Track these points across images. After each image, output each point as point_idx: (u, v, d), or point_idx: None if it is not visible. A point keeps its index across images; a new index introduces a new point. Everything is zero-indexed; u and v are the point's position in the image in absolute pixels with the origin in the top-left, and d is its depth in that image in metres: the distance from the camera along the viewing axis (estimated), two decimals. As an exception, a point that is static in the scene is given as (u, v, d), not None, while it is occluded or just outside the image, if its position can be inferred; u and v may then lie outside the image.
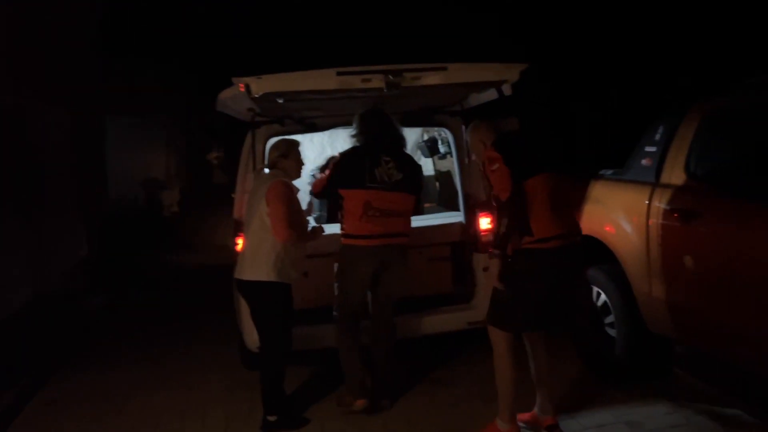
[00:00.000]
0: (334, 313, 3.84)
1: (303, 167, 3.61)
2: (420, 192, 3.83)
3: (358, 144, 3.69)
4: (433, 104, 4.27)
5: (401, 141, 3.82)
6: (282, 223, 3.28)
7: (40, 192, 6.43)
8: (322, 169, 4.81)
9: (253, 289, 3.46)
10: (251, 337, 3.95)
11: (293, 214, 3.35)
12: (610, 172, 4.06)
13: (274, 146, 3.57)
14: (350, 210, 3.53)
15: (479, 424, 3.38)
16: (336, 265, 3.77)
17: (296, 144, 3.58)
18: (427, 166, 5.46)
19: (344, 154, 3.70)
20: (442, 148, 4.96)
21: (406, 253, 3.70)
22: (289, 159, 3.52)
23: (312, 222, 4.80)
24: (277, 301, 3.46)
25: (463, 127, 4.28)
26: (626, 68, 8.67)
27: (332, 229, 3.84)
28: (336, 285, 3.79)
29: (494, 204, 3.14)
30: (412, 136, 5.52)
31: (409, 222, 3.70)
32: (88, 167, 7.94)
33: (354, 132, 3.71)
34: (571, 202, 3.40)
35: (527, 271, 3.06)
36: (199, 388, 4.22)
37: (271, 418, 3.52)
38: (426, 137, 5.36)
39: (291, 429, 3.54)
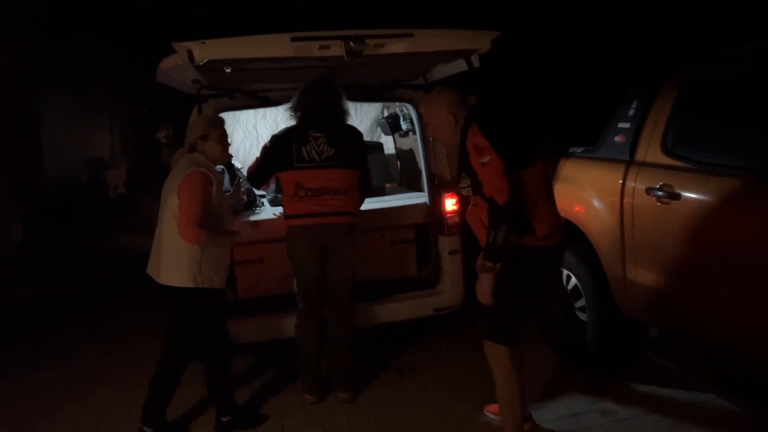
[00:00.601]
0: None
1: (227, 148, 3.12)
2: (361, 166, 3.48)
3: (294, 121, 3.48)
4: (395, 77, 3.99)
5: (336, 113, 3.47)
6: (188, 221, 2.82)
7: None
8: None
9: (170, 294, 2.99)
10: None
11: (204, 210, 2.86)
12: (580, 149, 3.89)
13: (192, 126, 3.07)
14: (285, 191, 3.42)
15: (447, 415, 3.22)
16: None
17: (218, 122, 3.07)
18: (388, 144, 5.19)
19: (273, 137, 3.52)
20: (404, 125, 4.70)
21: (351, 233, 3.43)
22: (210, 140, 3.01)
23: (266, 204, 4.49)
24: (202, 308, 3.03)
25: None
26: (594, 36, 8.32)
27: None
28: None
29: (478, 201, 2.66)
30: (372, 112, 5.25)
31: (352, 200, 3.43)
32: (20, 144, 7.34)
33: (289, 108, 3.48)
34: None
35: (525, 275, 2.72)
36: (146, 386, 3.89)
37: (225, 419, 3.25)
38: (386, 113, 5.09)
39: (247, 428, 3.27)
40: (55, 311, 5.73)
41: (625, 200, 3.28)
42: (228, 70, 2.87)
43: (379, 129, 5.14)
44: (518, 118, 2.95)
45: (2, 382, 4.06)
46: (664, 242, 3.02)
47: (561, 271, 3.83)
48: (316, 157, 3.34)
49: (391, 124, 4.75)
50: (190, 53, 2.63)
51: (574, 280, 3.76)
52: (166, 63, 3.21)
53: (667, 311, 3.16)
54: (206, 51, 2.62)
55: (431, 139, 4.06)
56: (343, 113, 3.51)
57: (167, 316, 3.20)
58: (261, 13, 11.82)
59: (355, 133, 3.56)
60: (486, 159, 2.53)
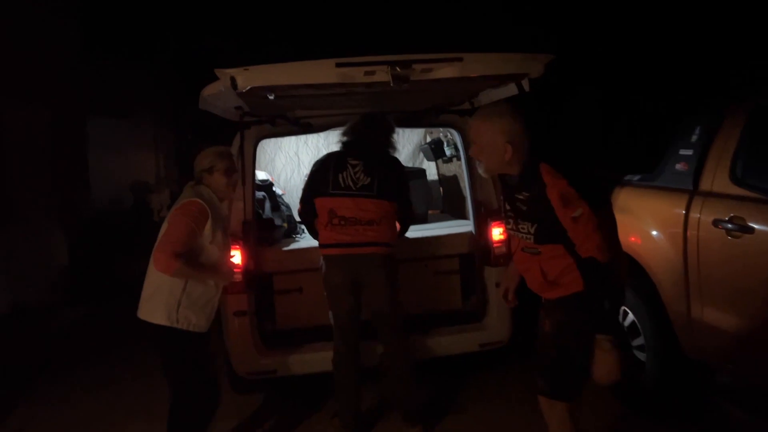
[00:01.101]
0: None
1: (233, 182, 2.92)
2: (398, 197, 3.35)
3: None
4: (440, 102, 3.87)
5: (378, 142, 3.41)
6: (164, 246, 2.61)
7: (16, 199, 6.02)
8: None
9: (150, 332, 2.75)
10: (239, 359, 3.58)
11: (186, 240, 2.64)
12: (636, 177, 3.67)
13: (200, 158, 2.90)
14: (319, 219, 3.35)
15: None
16: None
17: (225, 155, 2.91)
18: (431, 170, 5.06)
19: (315, 162, 3.49)
20: (448, 151, 4.56)
21: (385, 264, 3.29)
22: (215, 173, 2.84)
23: (306, 232, 4.40)
24: (182, 351, 2.78)
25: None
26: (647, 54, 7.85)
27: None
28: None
29: (545, 250, 2.35)
30: (415, 137, 5.14)
31: (387, 230, 3.30)
32: (68, 170, 7.51)
33: (339, 136, 3.49)
34: None
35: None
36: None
37: None
38: (429, 139, 4.98)
39: None
40: (99, 334, 5.75)
41: (689, 232, 3.06)
42: (271, 97, 2.79)
43: (421, 155, 5.03)
44: (577, 151, 2.62)
45: (45, 408, 4.05)
46: (736, 279, 2.79)
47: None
48: (351, 185, 3.27)
49: (435, 150, 4.63)
50: (233, 80, 2.56)
51: (631, 316, 3.53)
52: (209, 90, 3.16)
53: (738, 354, 2.90)
54: (249, 78, 2.55)
55: (477, 164, 3.91)
56: (386, 143, 3.44)
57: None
58: (301, 38, 11.97)
59: (395, 164, 3.46)
60: (578, 213, 2.21)
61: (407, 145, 5.05)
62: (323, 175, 3.33)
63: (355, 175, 3.28)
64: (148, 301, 2.77)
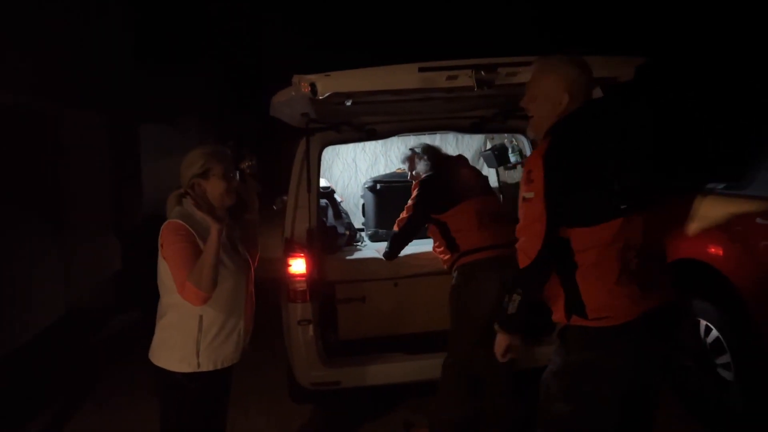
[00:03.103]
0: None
1: (233, 188, 2.42)
2: None
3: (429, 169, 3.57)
4: (508, 107, 3.74)
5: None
6: (182, 280, 2.21)
7: (73, 202, 6.11)
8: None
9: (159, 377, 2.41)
10: (303, 369, 3.51)
11: (192, 263, 2.22)
12: (721, 186, 3.48)
13: (188, 162, 2.39)
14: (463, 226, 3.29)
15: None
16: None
17: (221, 155, 2.41)
18: (491, 177, 4.93)
19: (424, 181, 3.53)
20: (512, 157, 4.42)
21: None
22: (212, 177, 2.36)
23: (367, 240, 4.34)
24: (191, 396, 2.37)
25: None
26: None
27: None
28: (453, 322, 3.33)
29: None
30: (475, 143, 5.02)
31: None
32: (122, 176, 7.62)
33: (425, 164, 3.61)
34: None
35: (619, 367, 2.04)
36: (239, 425, 3.74)
37: None
38: (490, 145, 4.84)
39: None
40: (150, 340, 5.76)
41: (787, 245, 2.87)
42: (349, 104, 2.72)
43: (481, 161, 4.90)
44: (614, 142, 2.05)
45: (94, 418, 4.04)
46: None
47: (697, 321, 3.42)
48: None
49: (498, 156, 4.49)
50: (313, 86, 2.50)
51: (715, 332, 3.34)
52: (281, 97, 3.12)
53: None
54: (330, 84, 2.48)
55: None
56: None
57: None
58: (346, 45, 12.00)
59: None
60: (530, 195, 1.93)
61: (466, 151, 4.93)
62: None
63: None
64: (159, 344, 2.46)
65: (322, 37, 12.82)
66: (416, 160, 3.66)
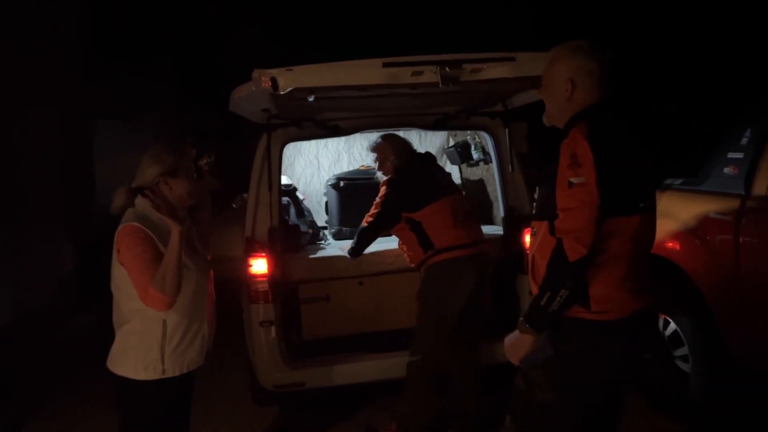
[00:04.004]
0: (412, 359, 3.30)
1: (193, 189, 2.30)
2: None
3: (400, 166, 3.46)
4: (472, 104, 3.74)
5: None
6: (144, 285, 2.12)
7: (21, 202, 5.85)
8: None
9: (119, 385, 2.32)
10: (265, 371, 3.44)
11: (155, 266, 2.12)
12: (678, 181, 3.56)
13: (155, 158, 2.27)
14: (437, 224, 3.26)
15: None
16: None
17: (190, 155, 2.33)
18: (454, 174, 4.93)
19: (395, 180, 3.43)
20: (475, 154, 4.43)
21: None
22: (180, 176, 2.25)
23: (330, 238, 4.28)
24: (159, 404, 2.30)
25: (506, 129, 3.78)
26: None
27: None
28: (422, 320, 3.30)
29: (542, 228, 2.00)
30: (437, 140, 5.01)
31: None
32: (74, 174, 7.33)
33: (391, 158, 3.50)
34: None
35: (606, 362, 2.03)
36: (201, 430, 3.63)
37: None
38: (452, 142, 4.84)
39: None
40: (106, 343, 5.57)
41: (741, 238, 2.95)
42: (311, 99, 2.66)
43: (444, 158, 4.89)
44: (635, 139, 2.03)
45: (52, 425, 3.88)
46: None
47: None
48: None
49: (461, 153, 4.49)
50: (274, 81, 2.43)
51: (673, 325, 3.41)
52: (241, 92, 3.02)
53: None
54: (292, 79, 2.41)
55: (510, 168, 3.80)
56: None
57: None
58: (311, 39, 11.83)
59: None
60: (581, 180, 1.79)
61: (429, 148, 4.91)
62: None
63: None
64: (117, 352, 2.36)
65: (286, 30, 12.63)
66: (387, 152, 3.50)
